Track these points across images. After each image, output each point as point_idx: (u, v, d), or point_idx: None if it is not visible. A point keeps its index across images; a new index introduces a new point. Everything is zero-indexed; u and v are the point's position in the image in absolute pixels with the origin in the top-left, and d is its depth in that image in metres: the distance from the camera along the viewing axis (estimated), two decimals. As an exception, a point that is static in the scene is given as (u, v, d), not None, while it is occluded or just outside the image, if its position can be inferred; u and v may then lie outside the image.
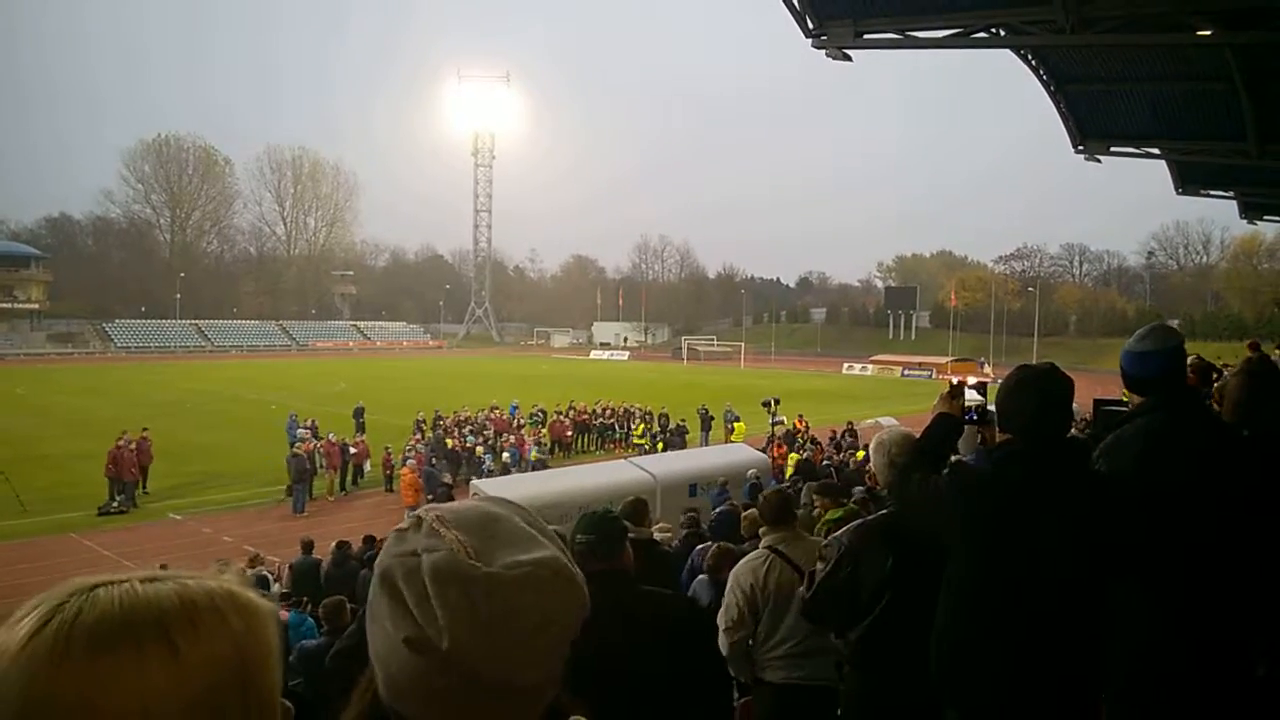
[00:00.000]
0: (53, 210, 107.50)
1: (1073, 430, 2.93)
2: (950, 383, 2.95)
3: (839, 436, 26.25)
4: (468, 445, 24.89)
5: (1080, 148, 13.77)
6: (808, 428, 27.65)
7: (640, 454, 24.86)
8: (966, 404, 2.88)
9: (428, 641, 0.80)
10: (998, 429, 2.71)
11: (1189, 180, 16.75)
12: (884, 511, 3.58)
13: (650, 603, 2.93)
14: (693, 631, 3.08)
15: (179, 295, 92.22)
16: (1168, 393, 2.76)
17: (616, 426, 30.98)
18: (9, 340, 79.99)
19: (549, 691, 0.87)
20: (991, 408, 2.93)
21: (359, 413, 29.94)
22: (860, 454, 21.81)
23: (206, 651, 0.69)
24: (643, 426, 30.08)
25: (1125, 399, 3.10)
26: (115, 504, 20.59)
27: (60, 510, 20.20)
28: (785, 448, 23.77)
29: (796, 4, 9.99)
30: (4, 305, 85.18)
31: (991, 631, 2.50)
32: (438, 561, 0.82)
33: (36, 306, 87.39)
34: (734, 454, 21.04)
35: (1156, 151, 14.35)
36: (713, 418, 31.17)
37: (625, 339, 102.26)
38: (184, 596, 0.73)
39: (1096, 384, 20.26)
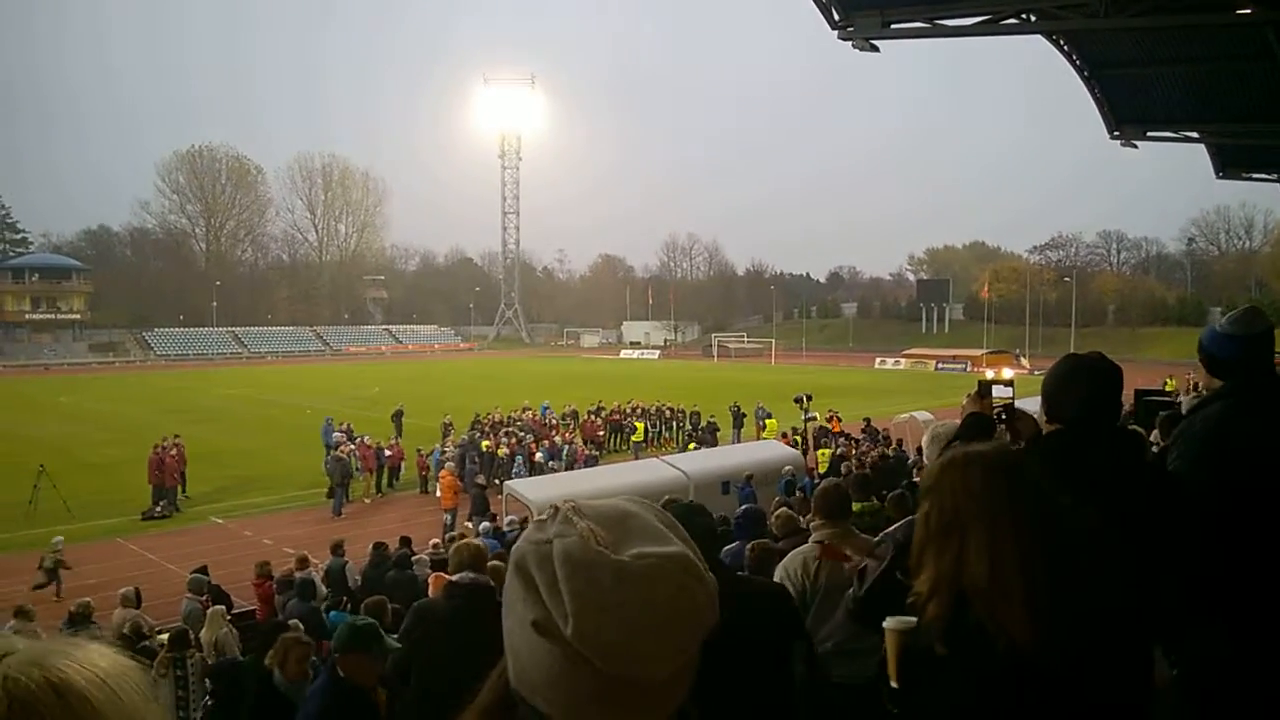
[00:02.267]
0: (92, 222, 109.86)
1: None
2: (979, 382, 2.91)
3: (882, 435, 25.97)
4: (502, 445, 25.02)
5: (1116, 133, 13.54)
6: (839, 422, 27.47)
7: (635, 456, 25.17)
8: (996, 402, 2.84)
9: (554, 626, 0.81)
10: (1046, 418, 2.66)
11: (1229, 163, 16.39)
12: None
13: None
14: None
15: (215, 303, 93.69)
16: (1244, 379, 2.68)
17: (649, 426, 30.95)
18: (52, 350, 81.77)
19: (678, 693, 0.85)
20: (1019, 405, 2.88)
21: (398, 415, 30.20)
22: (894, 448, 21.63)
23: None
24: (642, 426, 29.71)
25: (1168, 389, 3.03)
26: (158, 509, 20.97)
27: (105, 515, 20.61)
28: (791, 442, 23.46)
29: (823, -4, 9.91)
30: (47, 316, 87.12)
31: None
32: (569, 546, 0.83)
33: (78, 317, 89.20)
34: (767, 451, 20.98)
35: (1195, 135, 14.08)
36: (745, 415, 31.06)
37: (665, 340, 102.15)
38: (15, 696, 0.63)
39: (1138, 373, 19.87)
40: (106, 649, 0.71)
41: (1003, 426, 2.86)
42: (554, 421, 30.21)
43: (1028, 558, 1.80)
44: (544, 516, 0.91)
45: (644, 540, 0.85)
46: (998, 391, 2.86)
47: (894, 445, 22.33)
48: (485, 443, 25.09)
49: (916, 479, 8.05)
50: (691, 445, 27.40)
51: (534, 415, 30.33)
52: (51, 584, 14.98)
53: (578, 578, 0.81)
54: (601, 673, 0.80)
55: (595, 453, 26.53)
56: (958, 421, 3.36)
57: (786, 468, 18.15)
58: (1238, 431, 2.59)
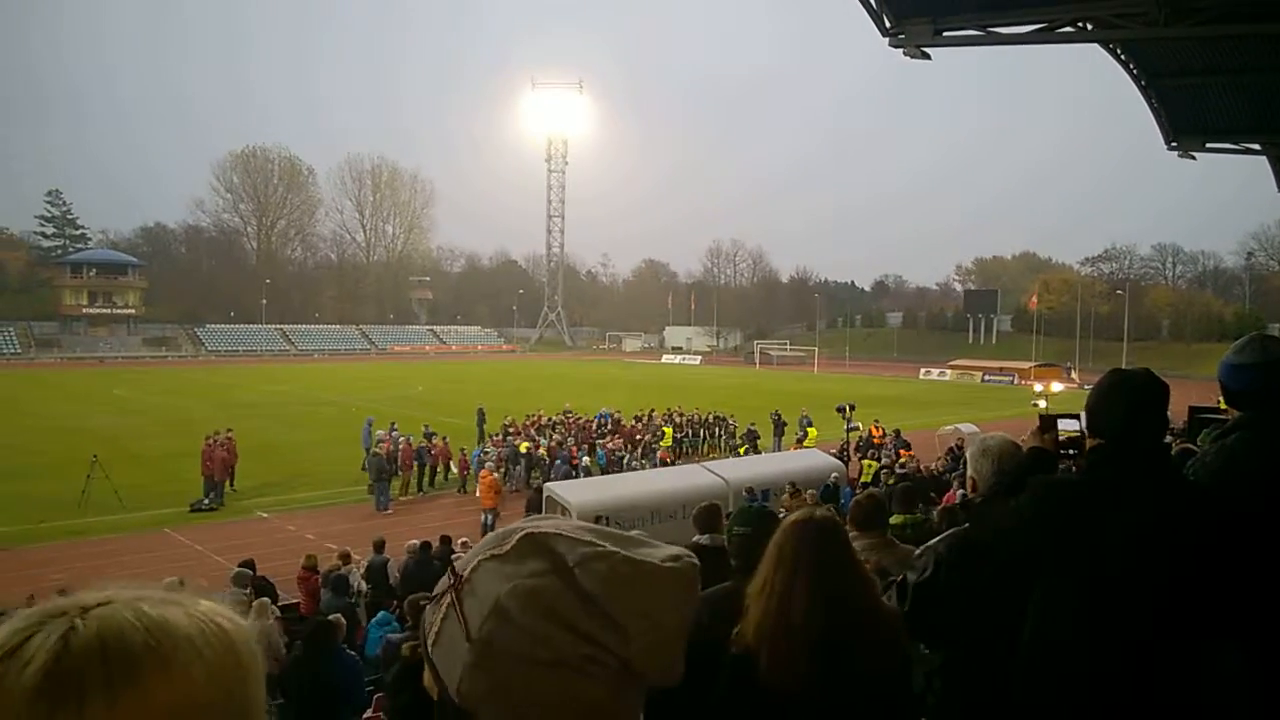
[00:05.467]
0: (149, 220, 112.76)
1: (1168, 438, 2.78)
2: (1040, 416, 2.83)
3: (930, 447, 25.70)
4: (541, 447, 25.14)
5: (1173, 144, 13.23)
6: (884, 433, 27.18)
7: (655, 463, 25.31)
8: (1061, 435, 2.76)
9: (607, 655, 0.72)
10: (1087, 434, 2.60)
11: (1292, 176, 15.93)
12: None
13: None
14: None
15: (265, 301, 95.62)
16: (1265, 409, 2.58)
17: (691, 432, 30.84)
18: (108, 344, 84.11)
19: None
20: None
21: (481, 416, 30.48)
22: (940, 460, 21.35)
23: (174, 694, 0.61)
24: (670, 431, 29.57)
25: (1223, 406, 2.94)
26: (207, 501, 21.40)
27: (155, 506, 21.08)
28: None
29: (874, 2, 9.80)
30: (103, 310, 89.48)
31: (1075, 646, 2.40)
32: (615, 565, 0.73)
33: (133, 312, 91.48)
34: (808, 459, 20.85)
35: (1256, 146, 13.70)
36: (785, 423, 30.83)
37: (708, 346, 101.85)
38: (163, 628, 0.62)
39: (1192, 390, 19.26)
40: (218, 604, 0.68)
41: (1069, 463, 2.76)
42: (584, 423, 30.17)
43: (814, 603, 2.23)
44: (504, 550, 0.77)
45: (647, 547, 0.78)
46: (1065, 425, 2.76)
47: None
48: (524, 444, 25.21)
49: (962, 490, 7.93)
50: (743, 449, 27.68)
51: (576, 418, 30.38)
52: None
53: (630, 595, 0.73)
54: (641, 687, 0.74)
55: (623, 454, 26.46)
56: (1004, 434, 3.30)
57: (833, 475, 18.02)
58: (1254, 465, 2.50)
